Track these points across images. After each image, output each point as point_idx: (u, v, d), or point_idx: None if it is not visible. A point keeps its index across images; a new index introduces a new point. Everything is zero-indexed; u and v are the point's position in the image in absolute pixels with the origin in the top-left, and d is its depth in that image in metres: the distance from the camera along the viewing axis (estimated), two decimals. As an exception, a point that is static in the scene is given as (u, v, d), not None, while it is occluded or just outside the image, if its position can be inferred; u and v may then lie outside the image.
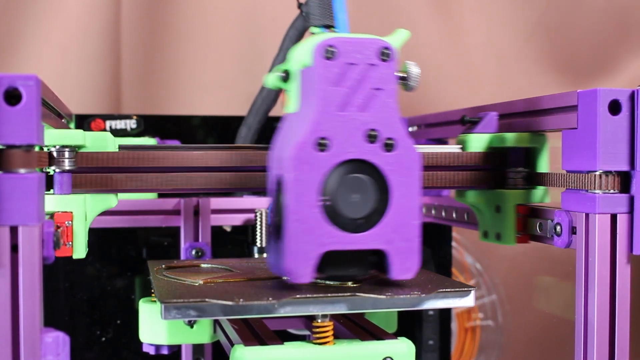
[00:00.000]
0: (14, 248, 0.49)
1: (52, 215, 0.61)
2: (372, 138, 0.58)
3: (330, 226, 0.57)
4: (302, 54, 0.60)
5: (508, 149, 0.70)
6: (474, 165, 0.70)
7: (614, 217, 0.59)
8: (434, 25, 1.33)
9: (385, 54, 0.58)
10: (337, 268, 0.59)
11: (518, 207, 0.69)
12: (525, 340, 1.26)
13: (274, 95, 0.88)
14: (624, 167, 0.59)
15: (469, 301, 0.61)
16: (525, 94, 0.71)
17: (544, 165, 0.71)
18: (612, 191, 0.59)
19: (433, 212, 0.89)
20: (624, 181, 0.59)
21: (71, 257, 0.88)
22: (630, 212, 0.59)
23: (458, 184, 0.69)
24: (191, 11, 1.27)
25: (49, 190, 0.61)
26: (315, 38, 0.60)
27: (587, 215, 0.60)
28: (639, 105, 0.58)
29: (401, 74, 0.60)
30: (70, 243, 0.62)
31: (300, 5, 0.80)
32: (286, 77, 0.61)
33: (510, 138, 0.70)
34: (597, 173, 0.59)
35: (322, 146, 0.57)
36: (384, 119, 0.58)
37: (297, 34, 0.83)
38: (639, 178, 0.58)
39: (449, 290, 0.60)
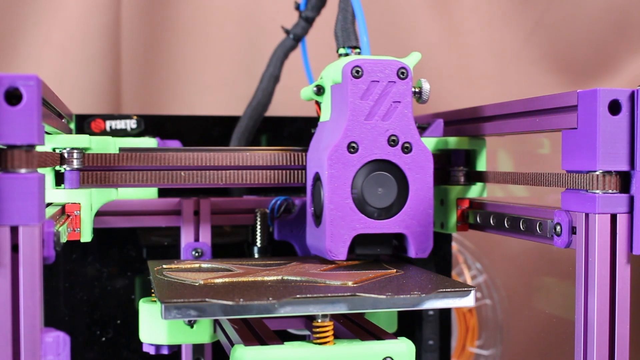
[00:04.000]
0: (15, 248, 0.49)
1: (63, 206, 0.70)
2: (393, 142, 0.70)
3: (360, 214, 0.69)
4: (334, 73, 0.71)
5: (451, 150, 0.80)
6: None
7: (614, 217, 0.59)
8: (434, 25, 1.33)
9: (402, 73, 0.70)
10: (366, 248, 0.71)
11: (459, 200, 0.79)
12: (525, 340, 1.26)
13: (268, 98, 0.93)
14: (624, 167, 0.59)
15: (469, 301, 0.61)
16: (525, 94, 0.71)
17: (482, 164, 0.81)
18: (612, 191, 0.59)
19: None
20: (624, 181, 0.59)
21: (72, 256, 0.89)
22: (630, 212, 0.59)
23: None
24: (191, 11, 1.27)
25: (60, 185, 0.71)
26: (344, 59, 0.71)
27: (587, 215, 0.60)
28: (639, 105, 0.58)
29: (415, 89, 0.72)
30: (79, 229, 0.71)
31: (286, 31, 0.90)
32: (319, 91, 0.73)
33: (453, 141, 0.80)
34: (597, 173, 0.59)
35: (352, 149, 0.69)
36: (402, 126, 0.70)
37: (284, 52, 0.92)
38: (639, 178, 0.58)
39: (449, 290, 0.60)
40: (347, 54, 0.75)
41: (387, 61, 0.70)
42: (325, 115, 0.73)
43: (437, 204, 0.81)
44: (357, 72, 0.69)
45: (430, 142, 0.81)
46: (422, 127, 0.83)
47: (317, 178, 0.71)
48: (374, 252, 0.71)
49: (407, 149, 0.70)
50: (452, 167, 0.80)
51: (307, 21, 0.90)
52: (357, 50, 0.75)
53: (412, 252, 0.71)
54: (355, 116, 0.69)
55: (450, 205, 0.79)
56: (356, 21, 0.76)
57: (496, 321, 1.16)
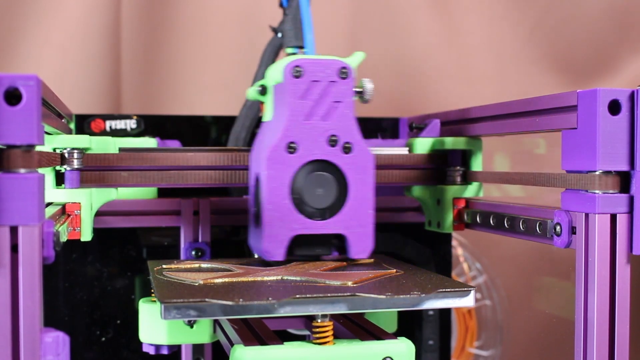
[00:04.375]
0: (14, 248, 0.49)
1: (63, 205, 0.70)
2: (332, 142, 0.69)
3: (298, 214, 0.69)
4: (275, 72, 0.71)
5: (447, 151, 0.81)
6: (419, 164, 0.81)
7: (613, 217, 0.59)
8: (434, 25, 1.33)
9: (344, 72, 0.69)
10: (305, 249, 0.70)
11: (455, 200, 0.80)
12: (525, 340, 1.26)
13: None
14: (624, 167, 0.59)
15: (468, 301, 0.61)
16: (525, 94, 0.71)
17: (478, 164, 0.81)
18: (611, 191, 0.59)
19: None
20: (623, 181, 0.59)
21: (72, 256, 0.89)
22: (630, 212, 0.59)
23: (406, 181, 0.81)
24: (191, 11, 1.27)
25: (61, 185, 0.72)
26: (286, 59, 0.70)
27: (587, 215, 0.60)
28: (638, 105, 0.58)
29: (358, 89, 0.71)
30: (79, 228, 0.72)
31: (274, 29, 0.90)
32: (263, 91, 0.73)
33: (449, 142, 0.80)
34: (597, 173, 0.59)
35: (291, 149, 0.68)
36: (342, 126, 0.70)
37: (274, 51, 0.91)
38: (639, 178, 0.58)
39: (448, 290, 0.60)
40: (294, 53, 0.75)
41: (328, 61, 0.69)
42: (267, 115, 0.73)
43: (434, 203, 0.82)
44: (298, 71, 0.68)
45: (426, 142, 0.81)
46: (419, 127, 0.84)
47: (257, 178, 0.70)
48: (313, 253, 0.71)
49: (347, 149, 0.69)
50: (449, 167, 0.81)
51: None
52: (305, 49, 0.75)
53: (351, 253, 0.70)
54: (294, 116, 0.68)
55: (447, 205, 0.80)
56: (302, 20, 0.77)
57: (496, 321, 1.16)
